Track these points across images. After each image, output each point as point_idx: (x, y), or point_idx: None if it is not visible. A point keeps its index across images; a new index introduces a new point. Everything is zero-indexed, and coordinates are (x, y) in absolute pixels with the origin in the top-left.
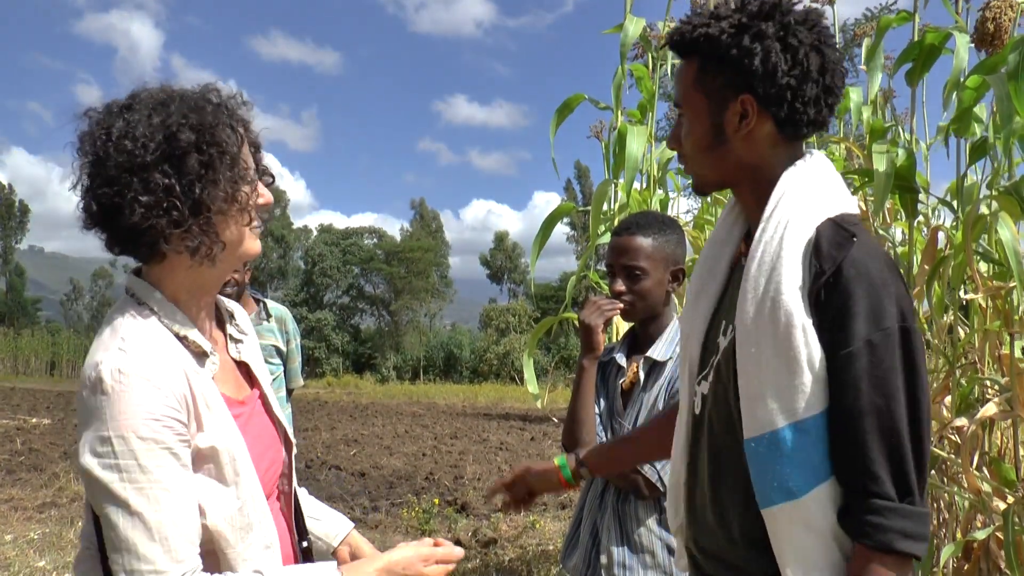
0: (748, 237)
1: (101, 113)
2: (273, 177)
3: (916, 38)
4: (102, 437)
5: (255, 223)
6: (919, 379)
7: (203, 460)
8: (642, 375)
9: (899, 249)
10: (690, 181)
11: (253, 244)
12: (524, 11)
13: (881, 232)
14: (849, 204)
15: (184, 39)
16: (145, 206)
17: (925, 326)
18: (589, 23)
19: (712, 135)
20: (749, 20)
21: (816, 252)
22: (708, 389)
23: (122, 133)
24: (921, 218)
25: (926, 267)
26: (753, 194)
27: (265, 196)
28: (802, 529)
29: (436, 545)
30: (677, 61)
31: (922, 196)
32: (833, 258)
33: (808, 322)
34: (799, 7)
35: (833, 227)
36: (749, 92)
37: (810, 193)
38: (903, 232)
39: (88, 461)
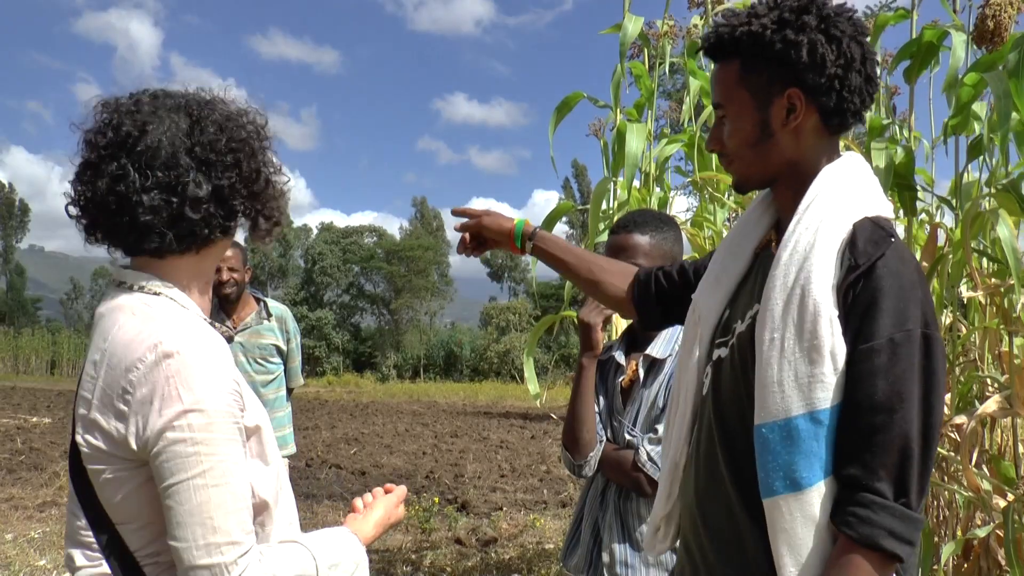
0: (777, 228)
1: (157, 106)
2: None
3: (914, 35)
4: (176, 411)
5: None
6: (936, 387)
7: (250, 437)
8: (642, 373)
9: None
10: (690, 179)
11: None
12: (523, 10)
13: None
14: (886, 207)
15: (183, 38)
16: (204, 199)
17: None
18: (588, 21)
19: (760, 131)
20: (790, 14)
21: (852, 247)
22: (718, 374)
23: (191, 131)
24: (924, 216)
25: (926, 264)
26: (791, 188)
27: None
28: (801, 522)
29: (386, 491)
30: (710, 64)
31: (923, 194)
32: (869, 255)
33: (835, 314)
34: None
35: (872, 226)
36: (796, 85)
37: (849, 190)
38: (903, 229)
39: (157, 437)
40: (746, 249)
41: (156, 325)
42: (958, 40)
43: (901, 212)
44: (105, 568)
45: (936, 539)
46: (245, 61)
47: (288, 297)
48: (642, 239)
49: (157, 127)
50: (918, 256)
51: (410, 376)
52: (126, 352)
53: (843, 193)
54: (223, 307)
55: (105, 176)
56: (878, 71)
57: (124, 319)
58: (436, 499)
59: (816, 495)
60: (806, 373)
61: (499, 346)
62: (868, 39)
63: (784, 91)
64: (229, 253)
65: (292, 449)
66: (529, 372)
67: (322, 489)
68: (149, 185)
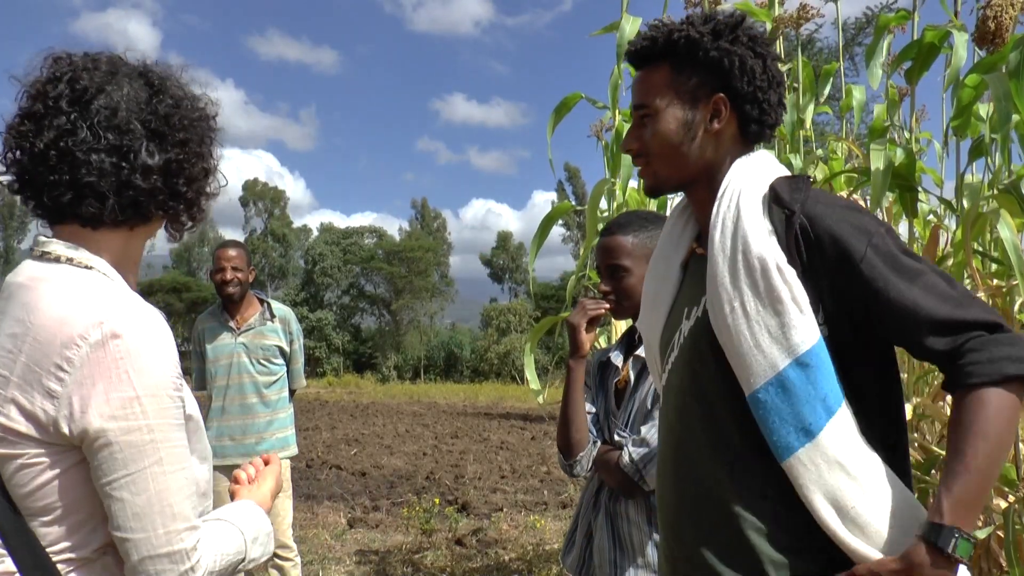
0: (699, 238)
1: (121, 68)
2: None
3: (915, 37)
4: (127, 397)
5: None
6: (920, 257)
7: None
8: (632, 375)
9: None
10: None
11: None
12: (522, 10)
13: None
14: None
15: (181, 38)
16: (155, 169)
17: None
18: (588, 22)
19: (684, 131)
20: (724, 28)
21: (777, 200)
22: (672, 380)
23: (150, 97)
24: (932, 217)
25: None
26: (707, 189)
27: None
28: (826, 468)
29: (265, 462)
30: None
31: (927, 195)
32: (797, 200)
33: (782, 259)
34: (749, 24)
35: (786, 179)
36: (723, 91)
37: (757, 167)
38: (905, 229)
39: (106, 424)
40: (673, 266)
41: (96, 301)
42: (960, 40)
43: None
44: (9, 565)
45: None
46: (243, 61)
47: (288, 298)
48: (625, 240)
49: (116, 89)
50: None
51: (410, 377)
52: (60, 327)
53: (754, 168)
54: (226, 307)
55: (51, 129)
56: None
57: (52, 291)
58: (437, 500)
59: (830, 438)
60: (776, 324)
61: (499, 347)
62: (779, 65)
63: (711, 96)
64: (232, 253)
65: (294, 450)
66: (530, 370)
67: (323, 490)
68: (99, 146)
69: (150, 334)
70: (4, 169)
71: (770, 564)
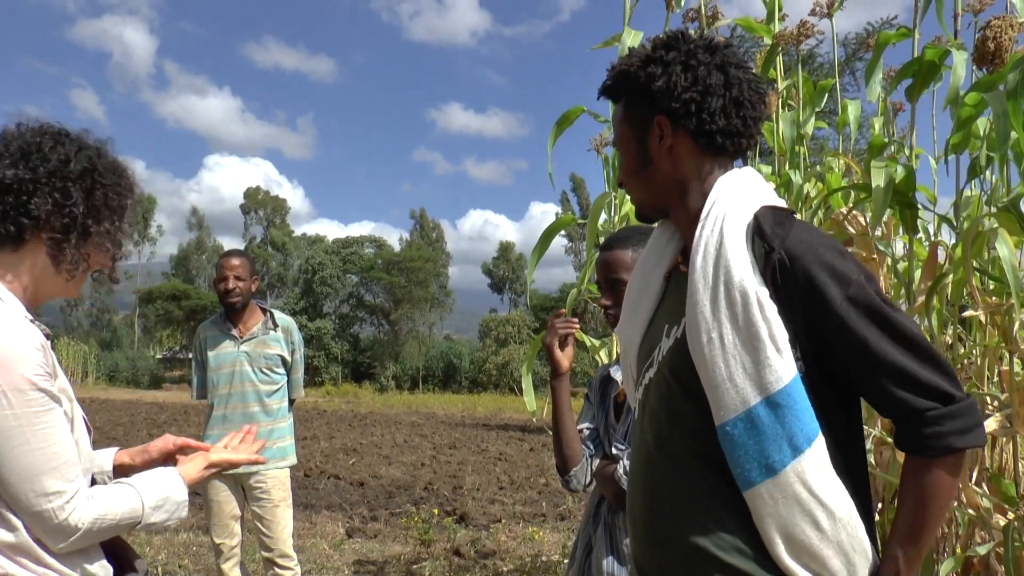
0: (683, 253)
1: (45, 134)
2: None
3: (916, 54)
4: (11, 389)
5: (92, 270)
6: (894, 305)
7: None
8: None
9: (900, 265)
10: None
11: (77, 286)
12: (519, 20)
13: (880, 247)
14: (780, 201)
15: (178, 45)
16: (54, 204)
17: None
18: (586, 32)
19: (640, 159)
20: (653, 51)
21: (759, 233)
22: (647, 395)
23: (65, 154)
24: (921, 234)
25: (926, 283)
26: (685, 208)
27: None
28: (783, 503)
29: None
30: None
31: (924, 212)
32: (779, 236)
33: (764, 293)
34: (702, 36)
35: (771, 211)
36: (661, 113)
37: (743, 189)
38: (904, 246)
39: None
40: (657, 275)
41: None
42: (959, 59)
43: (901, 229)
44: None
45: (935, 555)
46: (240, 68)
47: (288, 306)
48: (623, 254)
49: (53, 151)
50: (918, 274)
51: (409, 387)
52: None
53: (739, 190)
54: (229, 316)
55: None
56: (760, 95)
57: None
58: (435, 511)
59: (792, 476)
60: (751, 361)
61: (498, 358)
62: (739, 68)
63: (653, 119)
64: (236, 262)
65: (293, 460)
66: (527, 387)
67: (321, 499)
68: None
69: (9, 339)
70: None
71: None
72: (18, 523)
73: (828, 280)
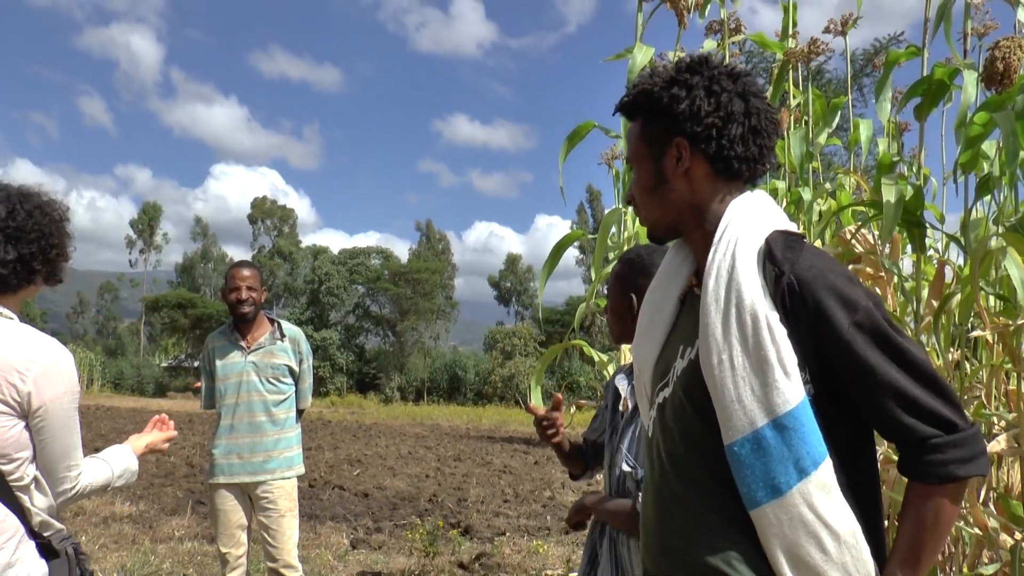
0: (697, 275)
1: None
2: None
3: (925, 73)
4: (68, 393)
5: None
6: (902, 331)
7: None
8: (630, 404)
9: (907, 284)
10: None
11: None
12: (525, 32)
13: (888, 265)
14: (791, 225)
15: (185, 53)
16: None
17: (935, 358)
18: (592, 44)
19: (655, 178)
20: (678, 74)
21: (770, 257)
22: (662, 415)
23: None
24: (932, 252)
25: (934, 302)
26: (699, 230)
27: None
28: (788, 524)
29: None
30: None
31: (932, 231)
32: (789, 260)
33: (774, 317)
34: (726, 63)
35: (782, 235)
36: (682, 135)
37: (756, 213)
38: (911, 265)
39: (56, 404)
40: (671, 297)
41: (36, 339)
42: (969, 79)
43: (910, 248)
44: None
45: (942, 575)
46: (246, 77)
47: (294, 316)
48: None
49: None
50: (925, 293)
51: (413, 398)
52: (28, 356)
53: (751, 215)
54: (237, 327)
55: None
56: (775, 126)
57: (14, 334)
58: (440, 523)
59: (798, 497)
60: (760, 384)
61: (503, 370)
62: (758, 97)
63: (672, 140)
64: (247, 273)
65: (300, 470)
66: (536, 402)
67: (325, 510)
68: None
69: (69, 358)
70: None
71: None
72: (47, 488)
73: (835, 305)
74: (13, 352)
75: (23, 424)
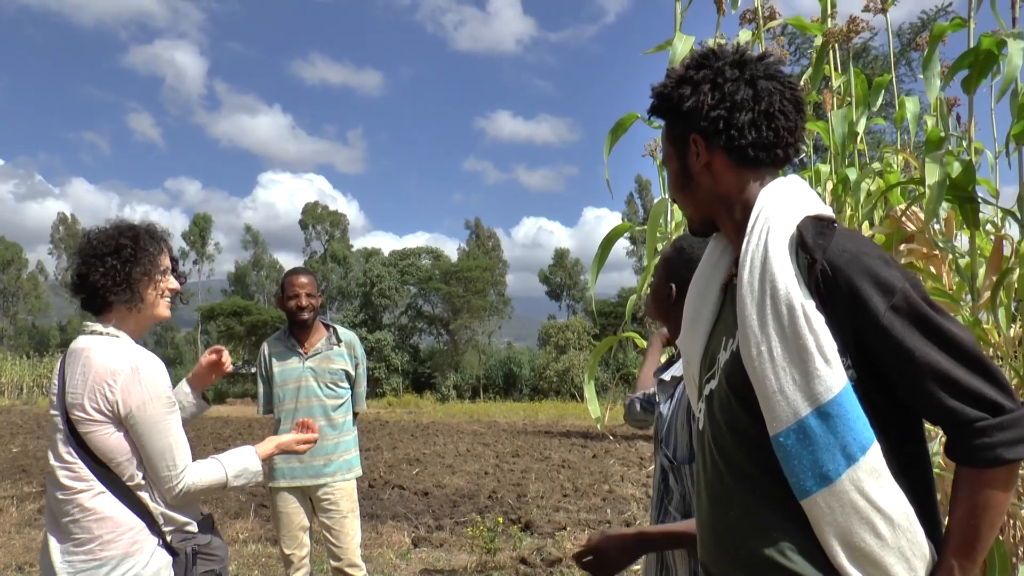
0: (736, 264)
1: (109, 228)
2: (184, 277)
3: (971, 44)
4: (145, 399)
5: (165, 296)
6: (945, 312)
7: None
8: (662, 404)
9: (962, 261)
10: None
11: (162, 310)
12: (564, 25)
13: (941, 243)
14: (825, 209)
15: (227, 66)
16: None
17: (994, 337)
18: (633, 34)
19: (683, 176)
20: (686, 72)
21: (802, 244)
22: (711, 407)
23: (96, 240)
24: (990, 227)
25: (992, 278)
26: (731, 221)
27: (172, 284)
28: (840, 512)
29: (302, 427)
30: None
31: (987, 205)
32: (820, 247)
33: (810, 305)
34: (736, 50)
35: (813, 221)
36: (695, 131)
37: (787, 198)
38: (966, 241)
39: (143, 409)
40: (713, 288)
41: (121, 351)
42: (1015, 48)
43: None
44: (100, 487)
45: (1014, 560)
46: (288, 85)
47: (347, 319)
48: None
49: (98, 255)
50: (982, 271)
51: (469, 396)
52: (113, 366)
53: (782, 201)
54: (294, 333)
55: (94, 272)
56: (796, 105)
57: (99, 350)
58: (500, 519)
59: (848, 483)
60: (800, 373)
61: (558, 365)
62: (770, 80)
63: (689, 137)
64: (305, 280)
65: (359, 471)
66: (590, 395)
67: (386, 510)
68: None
69: (154, 365)
70: (74, 288)
71: None
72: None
73: (871, 289)
74: (104, 365)
75: (120, 429)
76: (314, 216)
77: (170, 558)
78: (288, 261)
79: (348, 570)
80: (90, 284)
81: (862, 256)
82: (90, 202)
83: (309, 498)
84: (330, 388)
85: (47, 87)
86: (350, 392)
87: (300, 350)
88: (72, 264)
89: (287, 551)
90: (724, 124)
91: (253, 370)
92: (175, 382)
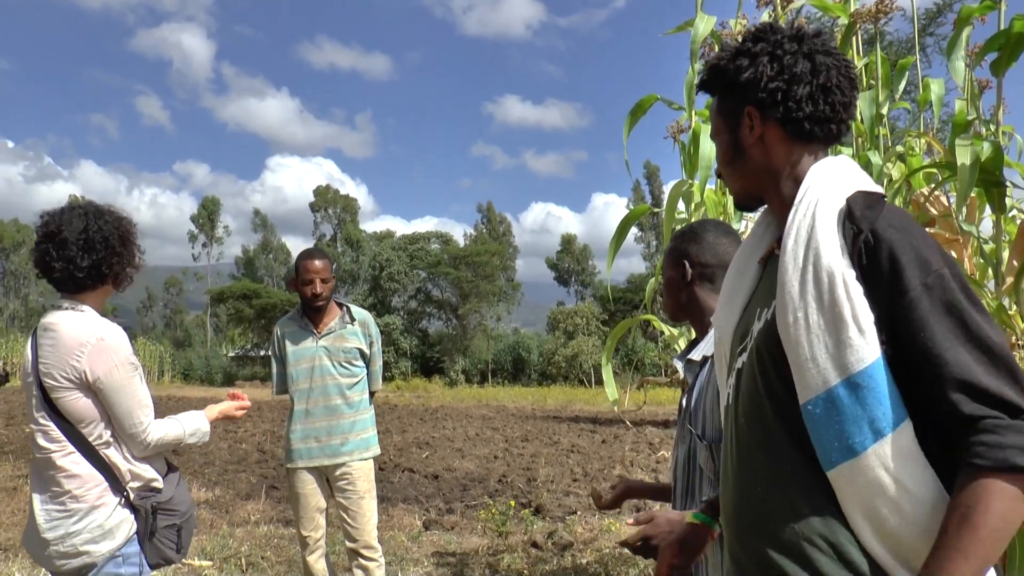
0: (779, 240)
1: (74, 213)
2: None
3: (1002, 27)
4: (119, 365)
5: (129, 278)
6: (980, 305)
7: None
8: (687, 376)
9: (987, 246)
10: None
11: (121, 288)
12: (573, 10)
13: (965, 227)
14: (876, 187)
15: (235, 49)
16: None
17: (1018, 323)
18: (642, 19)
19: (734, 149)
20: (743, 45)
21: (850, 216)
22: (739, 381)
23: (92, 227)
24: (1015, 212)
25: (1015, 263)
26: (779, 196)
27: (136, 266)
28: (864, 486)
29: (232, 397)
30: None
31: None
32: (868, 218)
33: (850, 275)
34: (792, 26)
35: (863, 195)
36: (751, 103)
37: (837, 175)
38: (992, 225)
39: (109, 375)
40: (753, 262)
41: (89, 323)
42: None
43: (988, 209)
44: (71, 448)
45: None
46: (296, 69)
47: (356, 303)
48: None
49: (67, 225)
50: (1006, 254)
51: (478, 381)
52: (80, 337)
53: (833, 177)
54: (307, 314)
55: (56, 254)
56: (850, 81)
57: (70, 322)
58: (511, 503)
59: (873, 458)
60: (834, 342)
61: (567, 350)
62: (827, 55)
63: (743, 110)
64: (319, 264)
65: (376, 451)
66: (608, 376)
67: (397, 492)
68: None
69: (120, 334)
70: (40, 272)
71: (827, 565)
72: (127, 445)
73: (910, 263)
74: (72, 337)
75: (88, 394)
76: (326, 199)
77: (132, 513)
78: (297, 245)
79: (364, 551)
80: (68, 273)
81: (907, 231)
82: (99, 184)
83: (327, 479)
84: (344, 367)
85: (55, 70)
86: (365, 371)
87: (314, 329)
88: (49, 252)
89: (304, 532)
90: (782, 96)
91: (263, 353)
92: (184, 362)
